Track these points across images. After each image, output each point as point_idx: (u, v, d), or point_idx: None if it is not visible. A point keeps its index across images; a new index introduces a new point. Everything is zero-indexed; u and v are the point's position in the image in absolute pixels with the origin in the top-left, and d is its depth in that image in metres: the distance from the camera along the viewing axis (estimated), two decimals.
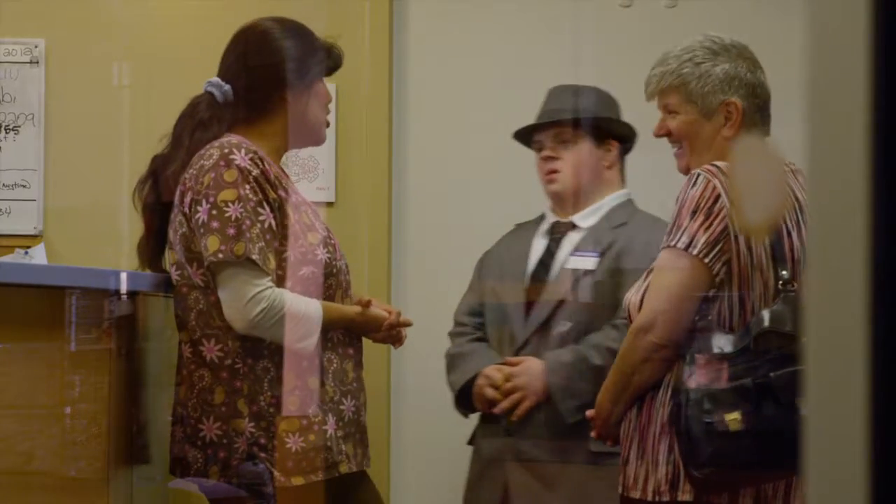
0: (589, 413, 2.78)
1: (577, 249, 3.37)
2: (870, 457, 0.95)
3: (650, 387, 2.59)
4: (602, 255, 3.32)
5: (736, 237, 2.52)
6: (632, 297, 2.67)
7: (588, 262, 3.33)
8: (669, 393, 2.54)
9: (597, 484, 3.20)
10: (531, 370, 3.28)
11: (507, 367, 3.31)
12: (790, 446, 2.13)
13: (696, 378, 2.46)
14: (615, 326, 3.23)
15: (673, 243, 2.54)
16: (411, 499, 4.05)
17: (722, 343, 2.49)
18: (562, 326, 3.32)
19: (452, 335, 3.51)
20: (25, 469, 2.52)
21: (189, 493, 2.90)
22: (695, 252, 2.51)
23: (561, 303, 3.31)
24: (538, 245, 3.45)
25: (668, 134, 2.76)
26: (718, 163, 2.58)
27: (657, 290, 2.56)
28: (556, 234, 3.43)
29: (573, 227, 3.42)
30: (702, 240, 2.51)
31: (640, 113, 4.00)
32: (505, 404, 3.28)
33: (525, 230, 3.53)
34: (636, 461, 2.60)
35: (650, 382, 2.59)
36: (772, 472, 2.49)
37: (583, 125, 3.43)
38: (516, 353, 3.34)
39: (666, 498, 2.53)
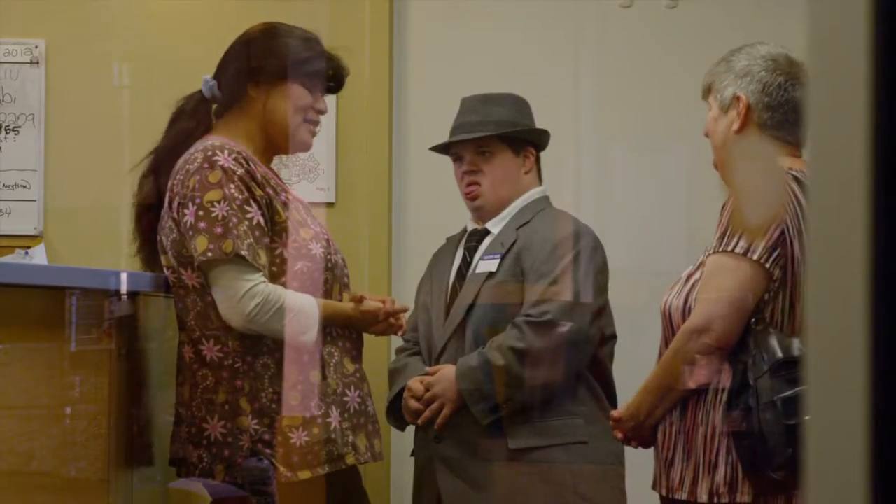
0: (615, 414, 2.79)
1: (484, 254, 3.40)
2: (870, 458, 0.95)
3: (693, 389, 2.60)
4: (503, 256, 3.34)
5: (791, 242, 2.55)
6: (672, 300, 2.69)
7: (491, 264, 3.36)
8: (724, 395, 2.55)
9: (521, 480, 3.25)
10: (445, 377, 3.31)
11: (427, 378, 3.34)
12: None
13: (768, 381, 2.46)
14: (516, 326, 3.25)
15: (730, 248, 2.56)
16: (411, 498, 4.05)
17: (790, 346, 2.49)
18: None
19: (396, 352, 3.57)
20: (26, 469, 2.51)
21: (189, 493, 2.90)
22: (755, 257, 2.54)
23: (470, 308, 3.33)
24: (458, 255, 3.48)
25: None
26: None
27: (714, 294, 2.57)
28: (472, 242, 3.46)
29: (487, 233, 3.44)
30: (761, 245, 2.54)
31: (640, 111, 4.01)
32: (426, 414, 3.31)
33: (452, 243, 3.56)
34: (682, 463, 2.62)
35: (695, 385, 2.60)
36: None
37: (503, 138, 3.41)
38: (436, 362, 3.37)
39: (725, 500, 2.55)
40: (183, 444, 2.84)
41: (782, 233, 2.55)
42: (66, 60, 4.11)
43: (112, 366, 2.74)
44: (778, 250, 2.54)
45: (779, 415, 2.43)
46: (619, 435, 2.77)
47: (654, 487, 2.75)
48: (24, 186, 4.09)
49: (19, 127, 4.10)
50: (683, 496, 2.61)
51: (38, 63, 4.11)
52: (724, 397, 2.55)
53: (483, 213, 3.45)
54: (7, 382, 2.46)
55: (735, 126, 2.68)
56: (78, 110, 4.10)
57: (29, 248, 4.00)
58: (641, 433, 2.73)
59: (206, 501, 2.84)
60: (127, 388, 2.85)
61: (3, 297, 2.42)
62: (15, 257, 3.90)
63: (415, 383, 3.35)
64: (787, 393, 2.44)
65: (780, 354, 2.48)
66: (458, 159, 3.48)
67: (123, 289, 2.77)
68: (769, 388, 2.46)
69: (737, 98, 2.68)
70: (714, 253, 2.60)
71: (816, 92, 1.00)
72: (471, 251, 3.44)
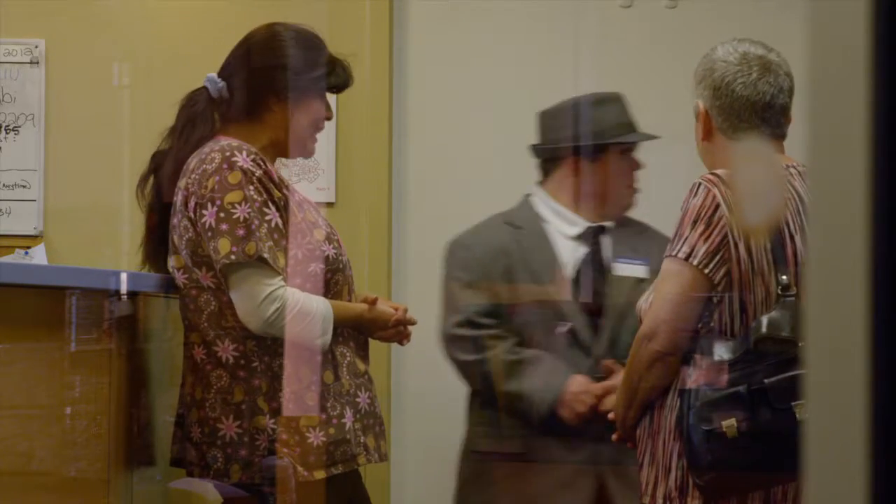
0: (611, 416, 2.79)
1: (619, 256, 3.35)
2: (870, 458, 0.95)
3: (658, 393, 2.61)
4: (647, 264, 3.30)
5: (736, 245, 2.52)
6: (643, 304, 2.69)
7: (639, 270, 3.31)
8: (676, 399, 2.56)
9: None
10: None
11: (607, 382, 3.24)
12: (788, 451, 2.15)
13: (696, 384, 2.49)
14: None
15: (675, 253, 2.55)
16: (412, 498, 4.05)
17: (722, 349, 2.51)
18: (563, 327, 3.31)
19: (482, 337, 3.39)
20: (25, 469, 2.51)
21: (189, 493, 2.90)
22: (695, 262, 2.52)
23: (624, 312, 3.26)
24: (570, 247, 3.39)
25: None
26: (719, 171, 2.58)
27: (660, 300, 2.57)
28: (596, 238, 3.39)
29: (603, 230, 3.39)
30: (702, 250, 2.52)
31: (640, 111, 4.01)
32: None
33: (533, 228, 3.43)
34: (648, 467, 2.63)
35: (657, 388, 2.60)
36: (773, 477, 2.50)
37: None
38: (596, 364, 3.28)
39: None
40: (191, 445, 2.83)
41: (725, 236, 2.52)
42: (66, 60, 4.11)
43: (112, 366, 2.74)
44: (720, 254, 2.52)
45: (699, 419, 2.45)
46: (615, 436, 2.77)
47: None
48: (24, 186, 4.09)
49: (19, 127, 4.10)
50: (647, 500, 2.62)
51: (38, 63, 4.11)
52: (674, 400, 2.56)
53: (616, 212, 3.41)
54: (7, 382, 2.46)
55: (699, 135, 2.69)
56: (78, 110, 4.10)
57: (29, 248, 4.00)
58: (627, 432, 2.73)
59: (207, 501, 2.85)
60: (127, 388, 2.84)
61: (3, 297, 2.42)
62: (15, 257, 3.90)
63: (589, 383, 3.25)
64: (711, 397, 2.46)
65: (714, 358, 2.49)
66: (623, 157, 3.43)
67: (123, 289, 2.77)
68: (696, 392, 2.48)
69: (697, 106, 2.68)
70: (666, 257, 2.60)
71: (816, 92, 1.00)
72: (598, 248, 3.38)
